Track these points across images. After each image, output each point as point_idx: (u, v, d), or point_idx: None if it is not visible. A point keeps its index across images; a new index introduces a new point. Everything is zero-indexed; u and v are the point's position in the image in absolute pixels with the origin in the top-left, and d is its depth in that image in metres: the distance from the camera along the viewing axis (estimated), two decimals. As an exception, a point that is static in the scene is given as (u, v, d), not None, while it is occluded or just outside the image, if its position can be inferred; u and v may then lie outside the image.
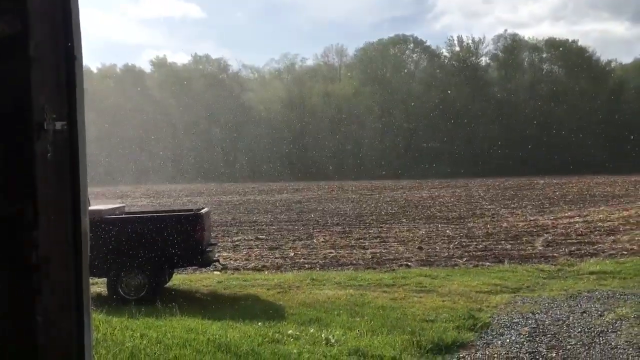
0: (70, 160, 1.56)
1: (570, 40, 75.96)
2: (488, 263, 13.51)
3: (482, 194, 35.73)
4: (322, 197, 36.89)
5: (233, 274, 12.85)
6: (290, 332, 7.29)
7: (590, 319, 8.11)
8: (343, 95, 73.09)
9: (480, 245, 15.97)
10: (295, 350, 6.46)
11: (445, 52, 78.82)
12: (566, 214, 23.24)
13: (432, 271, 12.43)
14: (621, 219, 20.79)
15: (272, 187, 48.08)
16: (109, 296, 9.87)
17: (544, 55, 77.25)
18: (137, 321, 7.48)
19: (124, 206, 12.07)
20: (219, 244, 14.55)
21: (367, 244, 16.92)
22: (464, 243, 16.51)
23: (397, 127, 69.18)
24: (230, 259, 14.59)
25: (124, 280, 9.94)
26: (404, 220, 22.66)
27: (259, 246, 16.77)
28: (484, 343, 7.23)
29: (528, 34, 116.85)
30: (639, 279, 10.87)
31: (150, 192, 44.04)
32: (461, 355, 6.85)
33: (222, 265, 12.45)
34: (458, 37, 79.02)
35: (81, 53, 1.59)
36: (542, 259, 13.87)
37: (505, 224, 20.57)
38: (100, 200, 12.08)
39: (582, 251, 14.66)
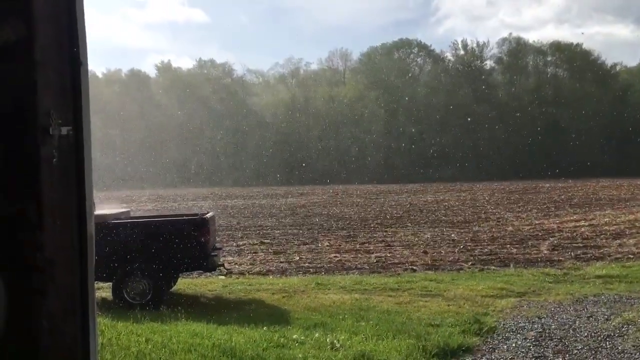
0: (76, 165, 1.57)
1: (574, 44, 75.85)
2: (494, 267, 13.47)
3: (487, 198, 35.63)
4: (326, 201, 36.86)
5: (238, 278, 12.85)
6: (295, 336, 7.27)
7: (596, 323, 8.07)
8: (347, 99, 73.16)
9: (486, 249, 15.93)
10: (300, 355, 6.45)
11: (449, 56, 78.92)
12: (572, 218, 23.15)
13: (437, 275, 12.41)
14: (627, 223, 20.70)
15: (276, 191, 48.09)
16: (114, 300, 9.90)
17: (549, 59, 77.01)
18: (142, 326, 7.49)
19: (129, 211, 12.10)
20: (223, 249, 14.56)
21: (372, 248, 16.90)
22: (469, 247, 16.47)
23: (401, 131, 69.08)
24: (235, 264, 14.59)
25: (129, 285, 9.96)
26: (409, 224, 22.62)
27: (264, 250, 16.76)
28: (490, 348, 7.20)
29: (532, 37, 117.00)
30: (646, 283, 10.83)
31: (155, 196, 44.11)
32: None
33: (227, 269, 12.46)
34: (462, 40, 78.83)
35: (86, 58, 1.60)
36: (548, 262, 13.82)
37: (510, 228, 20.51)
38: (106, 205, 12.09)
39: (588, 255, 14.60)
